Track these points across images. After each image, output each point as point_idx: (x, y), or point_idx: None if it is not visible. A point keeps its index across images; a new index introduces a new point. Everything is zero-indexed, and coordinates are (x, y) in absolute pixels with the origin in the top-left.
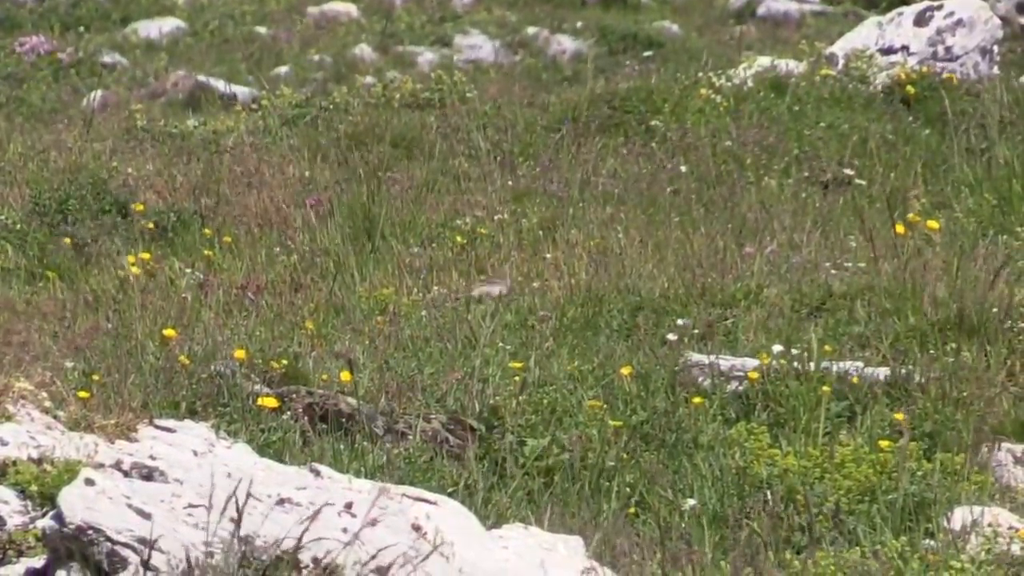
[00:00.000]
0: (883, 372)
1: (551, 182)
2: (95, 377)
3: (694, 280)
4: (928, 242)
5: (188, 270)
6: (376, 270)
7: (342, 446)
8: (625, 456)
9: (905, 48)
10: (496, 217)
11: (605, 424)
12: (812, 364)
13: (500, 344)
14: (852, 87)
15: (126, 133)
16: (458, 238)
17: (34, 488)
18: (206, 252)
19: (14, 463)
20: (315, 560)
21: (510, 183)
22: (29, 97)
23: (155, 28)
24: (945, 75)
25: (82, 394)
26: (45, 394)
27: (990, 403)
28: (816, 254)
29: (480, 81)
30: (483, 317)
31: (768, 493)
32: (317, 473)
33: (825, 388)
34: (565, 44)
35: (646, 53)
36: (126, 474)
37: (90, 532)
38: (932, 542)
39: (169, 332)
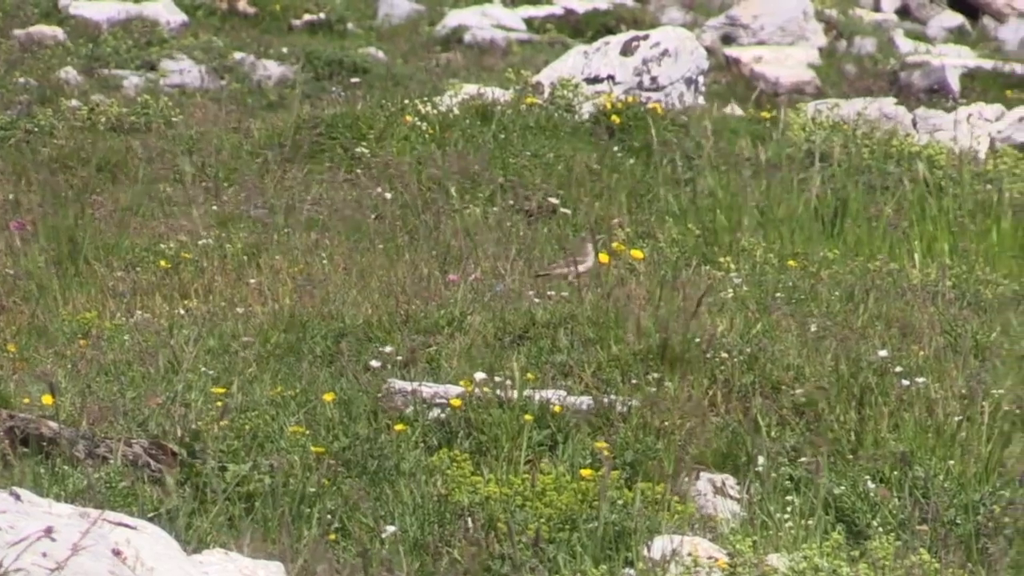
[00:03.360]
0: (585, 401)
1: (256, 207)
2: None
3: (398, 307)
4: (632, 271)
5: None
6: (79, 293)
7: (43, 470)
8: (326, 482)
9: (611, 77)
10: (200, 242)
11: (307, 450)
12: (515, 392)
13: (203, 369)
14: (558, 116)
15: None
16: (162, 262)
17: None
18: None
19: None
20: None
21: (215, 208)
22: None
23: None
24: (651, 105)
25: None
26: None
27: (691, 433)
28: (520, 282)
29: (186, 106)
30: (186, 342)
31: (469, 520)
32: (17, 497)
33: (527, 416)
34: (271, 69)
35: (352, 79)
36: None
37: None
38: (632, 571)
39: None
